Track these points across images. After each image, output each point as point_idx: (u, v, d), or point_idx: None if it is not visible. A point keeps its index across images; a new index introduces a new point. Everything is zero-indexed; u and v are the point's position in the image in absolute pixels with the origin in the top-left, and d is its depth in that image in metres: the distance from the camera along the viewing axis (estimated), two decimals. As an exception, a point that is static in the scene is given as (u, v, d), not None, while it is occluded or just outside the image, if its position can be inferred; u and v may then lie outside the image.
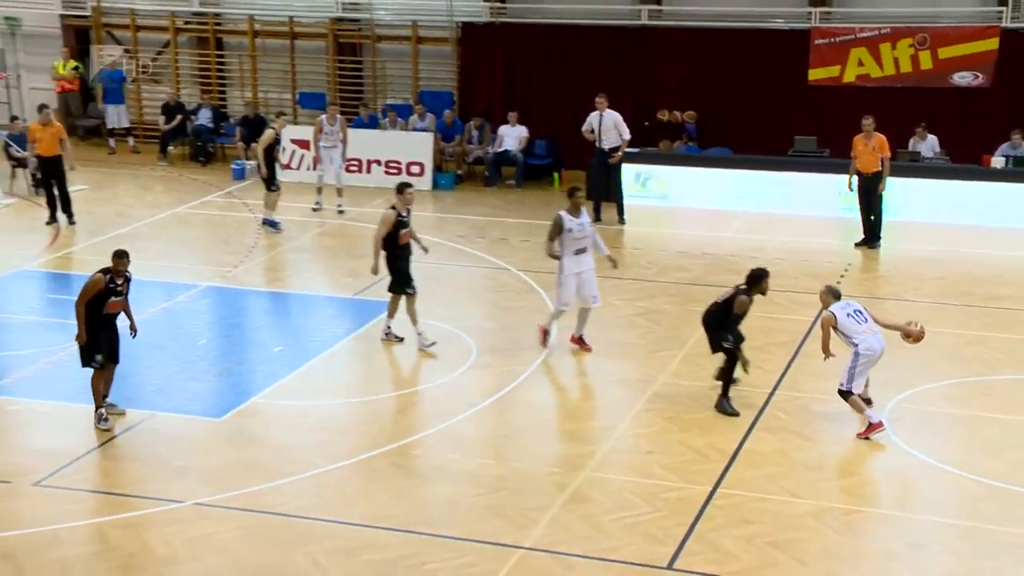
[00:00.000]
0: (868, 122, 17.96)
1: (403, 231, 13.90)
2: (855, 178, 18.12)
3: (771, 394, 12.82)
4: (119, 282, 11.90)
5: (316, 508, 10.40)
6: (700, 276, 16.88)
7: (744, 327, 13.58)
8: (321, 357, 13.91)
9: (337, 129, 20.08)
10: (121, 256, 11.85)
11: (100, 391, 12.00)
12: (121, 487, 10.84)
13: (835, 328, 11.83)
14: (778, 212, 19.98)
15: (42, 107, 19.79)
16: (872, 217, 18.18)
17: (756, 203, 20.15)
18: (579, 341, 13.95)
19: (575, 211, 13.59)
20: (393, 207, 13.89)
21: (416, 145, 22.13)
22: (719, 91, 21.63)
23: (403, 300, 13.98)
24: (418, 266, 16.97)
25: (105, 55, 25.08)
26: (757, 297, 12.35)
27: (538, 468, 11.18)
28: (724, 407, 12.32)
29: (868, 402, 11.91)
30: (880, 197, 18.08)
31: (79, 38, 25.52)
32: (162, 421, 12.21)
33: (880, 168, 17.92)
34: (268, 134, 19.25)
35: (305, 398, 12.73)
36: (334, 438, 11.88)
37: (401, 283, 13.93)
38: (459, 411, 12.49)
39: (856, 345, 11.68)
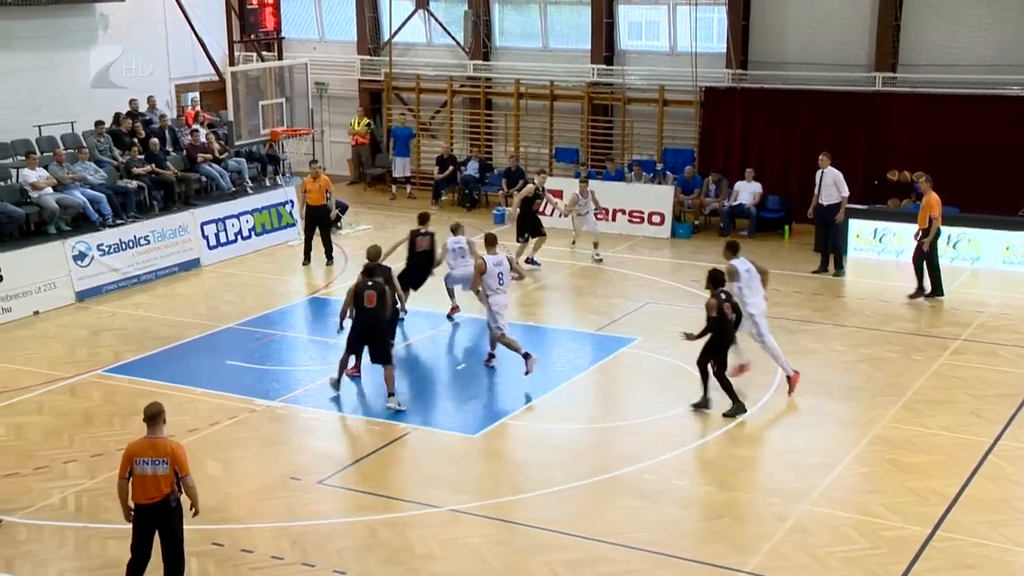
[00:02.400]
0: (922, 181, 17.64)
1: None
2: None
3: (993, 444, 11.98)
4: None
5: (555, 521, 10.42)
6: (922, 327, 16.02)
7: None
8: (565, 385, 13.96)
9: (589, 201, 20.10)
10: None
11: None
12: (388, 490, 11.17)
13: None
14: (1005, 269, 18.78)
15: (312, 163, 20.61)
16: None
17: (983, 259, 19.01)
18: None
19: None
20: None
21: (658, 197, 22.05)
22: (948, 152, 20.49)
23: None
24: (654, 307, 16.84)
25: (395, 114, 26.26)
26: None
27: (760, 498, 10.84)
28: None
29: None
30: (929, 253, 17.25)
31: (372, 99, 26.90)
32: (425, 435, 12.56)
33: (928, 226, 17.19)
34: (528, 188, 19.43)
35: (550, 421, 12.80)
36: (573, 458, 11.89)
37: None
38: (687, 441, 12.28)
39: None
